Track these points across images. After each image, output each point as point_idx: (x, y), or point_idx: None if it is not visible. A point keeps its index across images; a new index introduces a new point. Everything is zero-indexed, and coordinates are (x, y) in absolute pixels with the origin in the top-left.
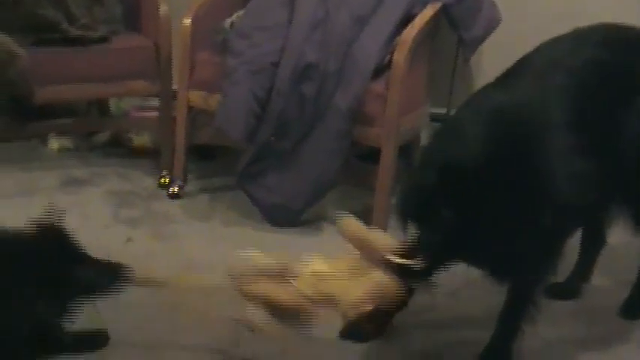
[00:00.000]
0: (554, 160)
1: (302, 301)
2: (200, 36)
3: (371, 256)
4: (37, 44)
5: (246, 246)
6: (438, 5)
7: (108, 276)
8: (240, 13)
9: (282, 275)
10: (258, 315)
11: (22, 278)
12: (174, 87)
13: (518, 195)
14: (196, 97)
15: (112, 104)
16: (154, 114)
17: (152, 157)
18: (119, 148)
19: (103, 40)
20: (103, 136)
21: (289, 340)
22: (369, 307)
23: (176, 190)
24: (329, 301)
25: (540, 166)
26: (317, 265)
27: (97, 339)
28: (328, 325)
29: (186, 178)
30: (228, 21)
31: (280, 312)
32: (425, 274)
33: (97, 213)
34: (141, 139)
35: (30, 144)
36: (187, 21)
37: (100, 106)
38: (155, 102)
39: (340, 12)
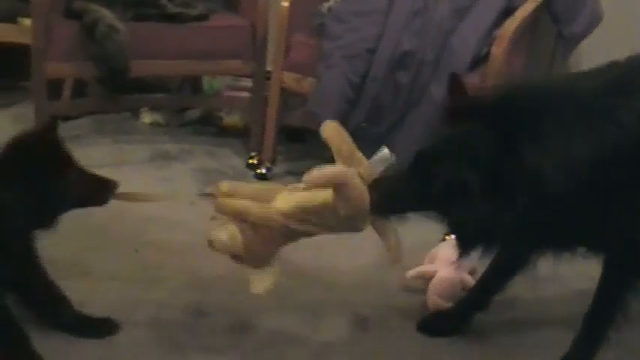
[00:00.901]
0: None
1: (273, 214)
2: (297, 18)
3: (347, 162)
4: (136, 19)
5: None
6: None
7: (96, 189)
8: None
9: (261, 197)
10: (225, 232)
11: None
12: (268, 68)
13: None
14: (290, 79)
15: (205, 82)
16: (246, 94)
17: (241, 136)
18: (209, 126)
19: (201, 17)
20: (193, 113)
21: None
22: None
23: (264, 171)
24: (301, 211)
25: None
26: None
27: (104, 326)
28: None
29: (274, 159)
30: (326, 5)
31: (252, 229)
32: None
33: (184, 189)
34: (231, 119)
35: (123, 117)
36: (285, 3)
37: (193, 83)
38: (248, 82)
39: (440, 2)
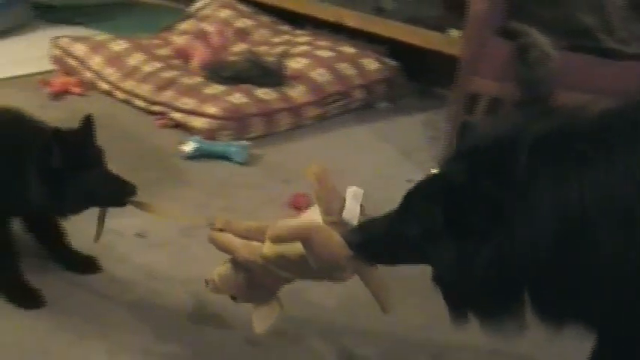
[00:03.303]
0: None
1: (257, 257)
2: None
3: (328, 210)
4: (570, 49)
5: None
6: None
7: (116, 191)
8: None
9: (253, 236)
10: (216, 273)
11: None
12: None
13: None
14: None
15: None
16: None
17: None
18: None
19: (636, 57)
20: None
21: None
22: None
23: None
24: (281, 258)
25: None
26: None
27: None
28: None
29: None
30: None
31: (243, 269)
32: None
33: None
34: None
35: None
36: None
37: None
38: None
39: None
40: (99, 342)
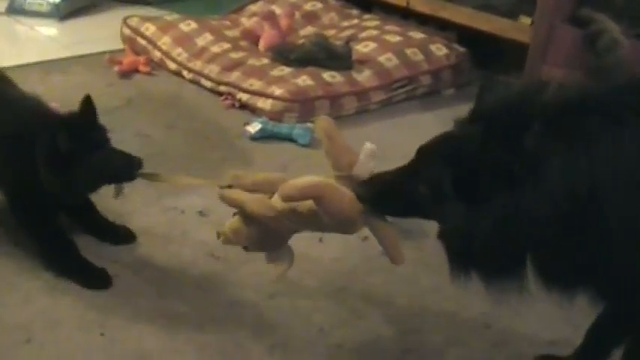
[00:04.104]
0: None
1: (267, 210)
2: None
3: (337, 165)
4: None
5: None
6: None
7: (121, 165)
8: None
9: (262, 190)
10: (228, 225)
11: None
12: None
13: None
14: None
15: None
16: None
17: None
18: None
19: None
20: None
21: None
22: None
23: None
24: (292, 212)
25: None
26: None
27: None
28: None
29: None
30: None
31: (253, 221)
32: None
33: None
34: None
35: None
36: None
37: None
38: None
39: None
40: (155, 318)
